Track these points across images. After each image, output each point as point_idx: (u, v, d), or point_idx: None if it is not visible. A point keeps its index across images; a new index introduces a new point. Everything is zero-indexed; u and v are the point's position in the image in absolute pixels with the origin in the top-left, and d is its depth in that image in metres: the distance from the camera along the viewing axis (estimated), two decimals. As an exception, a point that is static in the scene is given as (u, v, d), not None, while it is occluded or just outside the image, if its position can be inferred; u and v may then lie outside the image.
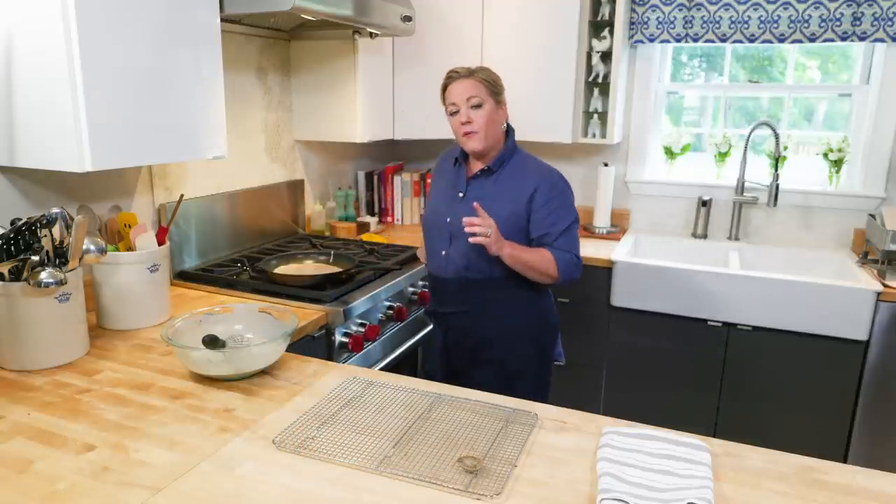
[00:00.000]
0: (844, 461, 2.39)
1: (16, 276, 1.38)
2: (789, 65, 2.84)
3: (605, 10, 2.73)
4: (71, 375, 1.39)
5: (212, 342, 1.31)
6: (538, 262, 1.70)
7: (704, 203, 2.92)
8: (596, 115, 2.86)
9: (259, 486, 1.00)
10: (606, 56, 2.76)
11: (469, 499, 0.98)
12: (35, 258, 1.37)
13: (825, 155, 2.77)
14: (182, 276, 2.07)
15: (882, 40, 2.51)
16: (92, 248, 1.49)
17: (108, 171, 1.87)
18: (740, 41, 2.70)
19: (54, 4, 1.32)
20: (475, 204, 1.65)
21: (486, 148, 1.76)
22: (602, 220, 3.01)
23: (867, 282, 2.28)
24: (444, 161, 1.93)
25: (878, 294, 2.23)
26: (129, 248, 1.68)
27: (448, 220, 1.80)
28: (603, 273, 2.60)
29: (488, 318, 1.81)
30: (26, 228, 1.38)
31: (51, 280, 1.35)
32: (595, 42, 2.76)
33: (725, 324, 2.45)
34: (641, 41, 2.85)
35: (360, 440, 1.14)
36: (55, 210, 1.43)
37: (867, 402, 2.32)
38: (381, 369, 1.96)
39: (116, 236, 1.73)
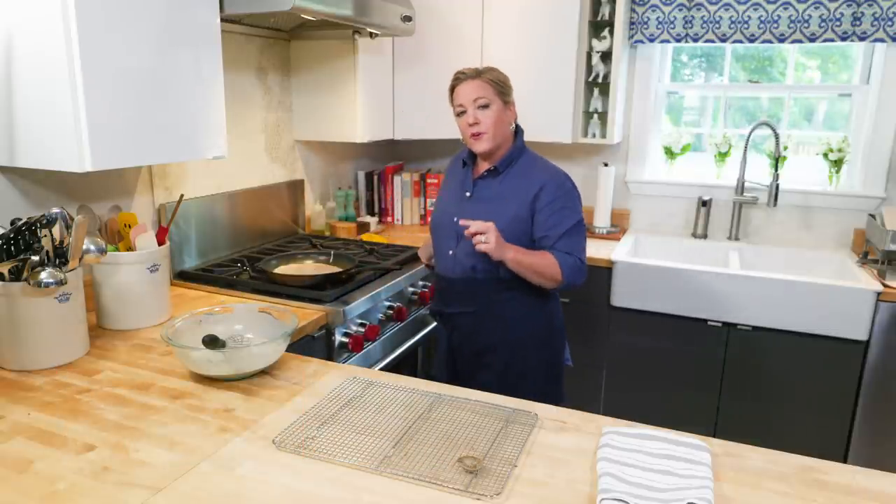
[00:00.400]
0: (844, 461, 2.39)
1: (16, 276, 1.38)
2: (789, 65, 2.84)
3: (605, 10, 2.73)
4: (71, 375, 1.39)
5: (212, 342, 1.31)
6: (542, 266, 1.68)
7: (704, 203, 2.92)
8: (596, 115, 2.86)
9: (259, 486, 1.00)
10: (606, 56, 2.77)
11: (469, 499, 0.98)
12: (35, 258, 1.37)
13: (825, 155, 2.77)
14: (182, 276, 2.07)
15: (882, 40, 2.51)
16: (92, 248, 1.49)
17: (108, 171, 1.87)
18: (740, 41, 2.70)
19: (54, 4, 1.32)
20: (461, 221, 1.64)
21: (493, 148, 1.75)
22: (602, 220, 3.01)
23: (867, 282, 2.28)
24: (455, 161, 1.92)
25: (878, 294, 2.23)
26: (129, 248, 1.68)
27: (455, 219, 1.78)
28: (603, 273, 2.60)
29: (494, 319, 1.78)
30: (26, 228, 1.38)
31: (51, 280, 1.35)
32: (595, 42, 2.76)
33: (725, 324, 2.45)
34: (641, 41, 2.85)
35: (360, 440, 1.14)
36: (55, 210, 1.43)
37: (867, 402, 2.32)
38: (381, 369, 1.96)
39: (116, 236, 1.73)
